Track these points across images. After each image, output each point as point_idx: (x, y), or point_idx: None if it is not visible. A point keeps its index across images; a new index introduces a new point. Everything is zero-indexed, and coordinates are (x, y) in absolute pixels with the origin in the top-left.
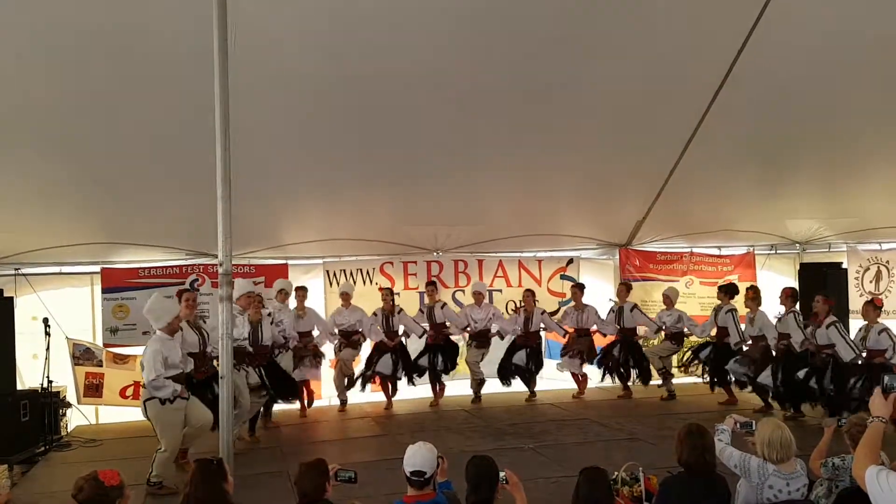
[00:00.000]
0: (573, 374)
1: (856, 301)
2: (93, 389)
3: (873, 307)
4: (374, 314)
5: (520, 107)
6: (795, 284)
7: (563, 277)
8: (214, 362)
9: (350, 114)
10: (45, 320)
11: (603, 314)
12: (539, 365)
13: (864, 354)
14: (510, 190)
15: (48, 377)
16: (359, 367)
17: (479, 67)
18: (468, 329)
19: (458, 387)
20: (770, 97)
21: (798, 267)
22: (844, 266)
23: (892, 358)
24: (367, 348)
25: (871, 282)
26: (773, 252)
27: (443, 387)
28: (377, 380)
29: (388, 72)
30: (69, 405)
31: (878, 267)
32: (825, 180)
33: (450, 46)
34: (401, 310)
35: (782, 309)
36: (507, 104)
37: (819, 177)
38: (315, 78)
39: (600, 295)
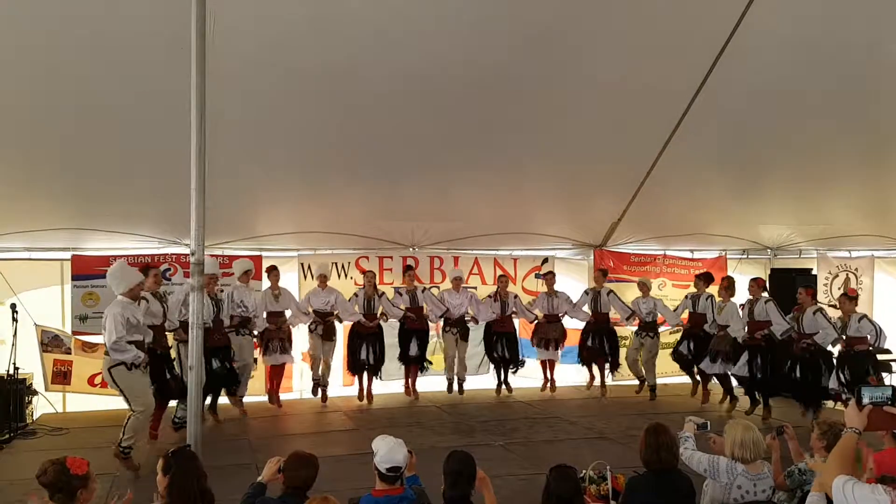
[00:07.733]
0: (542, 363)
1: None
2: (61, 377)
3: (848, 298)
4: (355, 294)
5: (499, 106)
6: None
7: (537, 276)
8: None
9: (329, 107)
10: (13, 306)
11: (574, 300)
12: (515, 354)
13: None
14: (488, 188)
15: (14, 364)
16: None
17: (459, 66)
18: (445, 315)
19: (428, 382)
20: (744, 105)
21: (769, 272)
22: (814, 272)
23: (875, 342)
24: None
25: (839, 288)
26: (745, 257)
27: (416, 374)
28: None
29: (367, 67)
30: (35, 392)
31: (847, 274)
32: (797, 188)
33: (429, 44)
34: (382, 293)
35: (748, 297)
36: (486, 103)
37: (791, 184)
38: (294, 70)
39: (574, 295)
